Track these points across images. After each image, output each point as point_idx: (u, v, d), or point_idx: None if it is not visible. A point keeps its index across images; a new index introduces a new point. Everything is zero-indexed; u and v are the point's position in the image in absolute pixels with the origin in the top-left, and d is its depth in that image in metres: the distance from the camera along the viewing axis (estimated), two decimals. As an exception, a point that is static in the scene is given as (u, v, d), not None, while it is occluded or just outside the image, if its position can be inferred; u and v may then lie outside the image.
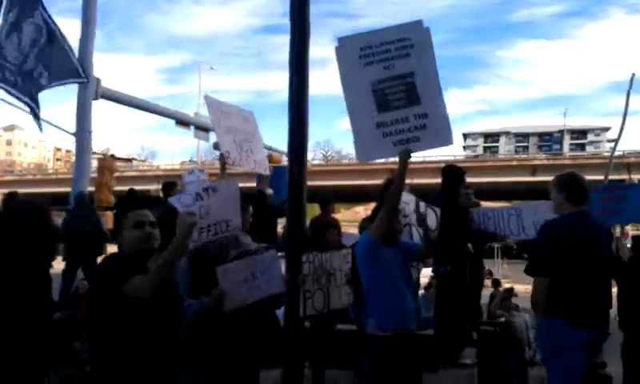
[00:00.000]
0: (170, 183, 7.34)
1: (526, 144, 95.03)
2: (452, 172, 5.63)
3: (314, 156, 72.27)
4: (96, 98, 10.46)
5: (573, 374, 3.30)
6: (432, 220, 4.61)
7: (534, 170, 37.19)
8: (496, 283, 12.55)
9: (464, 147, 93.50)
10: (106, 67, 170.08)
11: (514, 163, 41.06)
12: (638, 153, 39.17)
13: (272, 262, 3.70)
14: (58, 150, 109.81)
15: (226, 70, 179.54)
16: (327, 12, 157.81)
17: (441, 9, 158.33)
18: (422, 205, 4.58)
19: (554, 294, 3.31)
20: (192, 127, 17.39)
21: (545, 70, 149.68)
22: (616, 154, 39.09)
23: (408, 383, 3.71)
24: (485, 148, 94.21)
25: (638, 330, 4.61)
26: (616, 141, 27.76)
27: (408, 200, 4.39)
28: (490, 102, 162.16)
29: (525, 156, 51.77)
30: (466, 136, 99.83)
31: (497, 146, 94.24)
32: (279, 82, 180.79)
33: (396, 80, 3.46)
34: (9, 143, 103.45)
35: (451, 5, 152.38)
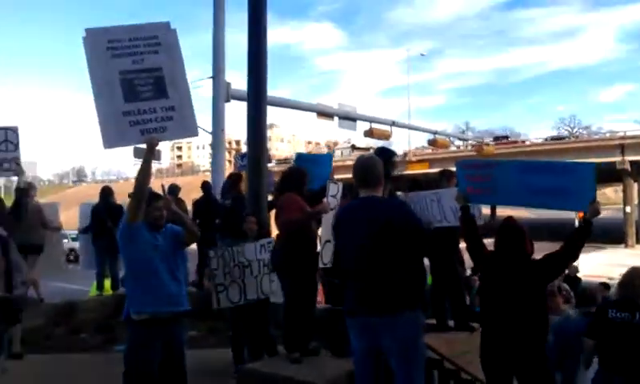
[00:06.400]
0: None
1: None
2: None
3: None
4: (227, 101, 11.48)
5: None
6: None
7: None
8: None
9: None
10: (350, 64, 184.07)
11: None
12: None
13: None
14: (309, 143, 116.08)
15: (465, 53, 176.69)
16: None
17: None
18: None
19: None
20: (335, 118, 16.69)
21: None
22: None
23: (171, 364, 3.72)
24: None
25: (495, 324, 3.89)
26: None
27: (335, 191, 4.46)
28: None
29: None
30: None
31: None
32: (520, 59, 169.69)
33: (144, 73, 3.68)
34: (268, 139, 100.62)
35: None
